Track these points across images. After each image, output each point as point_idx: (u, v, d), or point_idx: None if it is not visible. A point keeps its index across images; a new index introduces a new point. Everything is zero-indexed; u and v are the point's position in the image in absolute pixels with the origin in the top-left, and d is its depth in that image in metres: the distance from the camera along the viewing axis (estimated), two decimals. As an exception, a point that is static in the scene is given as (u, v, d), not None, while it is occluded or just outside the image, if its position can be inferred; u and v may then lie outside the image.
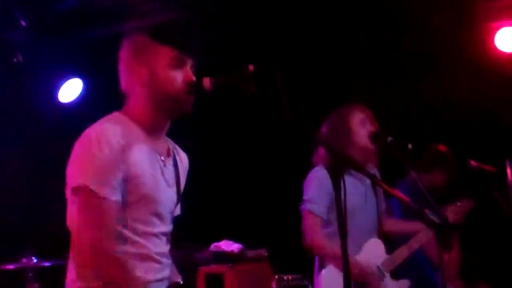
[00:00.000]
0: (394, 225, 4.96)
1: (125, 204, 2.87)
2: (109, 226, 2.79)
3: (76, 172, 2.84)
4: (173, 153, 3.16)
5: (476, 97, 6.49)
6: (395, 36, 6.46)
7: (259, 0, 6.05)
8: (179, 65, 3.00)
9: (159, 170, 3.00)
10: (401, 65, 6.63)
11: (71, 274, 2.94)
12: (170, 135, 3.19)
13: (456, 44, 6.35)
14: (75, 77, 6.84)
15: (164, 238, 3.05)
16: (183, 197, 3.21)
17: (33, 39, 6.19)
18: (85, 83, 6.86)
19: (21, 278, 5.48)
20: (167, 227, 3.07)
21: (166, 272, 3.04)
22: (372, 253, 4.57)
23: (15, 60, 6.07)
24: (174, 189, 3.11)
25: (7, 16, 5.86)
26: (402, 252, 4.72)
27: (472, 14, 6.25)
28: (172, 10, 5.91)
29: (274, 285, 4.26)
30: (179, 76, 3.00)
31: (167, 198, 3.04)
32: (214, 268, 6.16)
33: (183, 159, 3.24)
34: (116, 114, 3.04)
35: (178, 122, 3.12)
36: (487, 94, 6.43)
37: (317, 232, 4.47)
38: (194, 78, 3.01)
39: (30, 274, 5.45)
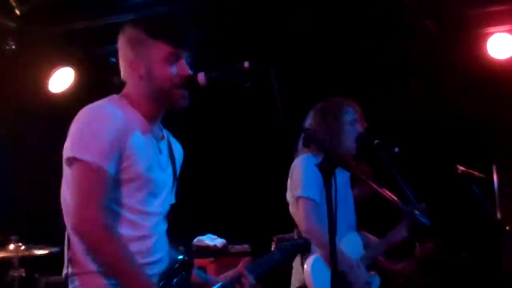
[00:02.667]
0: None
1: (120, 182, 2.88)
2: (101, 196, 2.79)
3: (76, 145, 2.85)
4: (168, 140, 3.18)
5: (465, 102, 6.53)
6: (388, 42, 6.49)
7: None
8: (174, 60, 3.03)
9: (154, 153, 3.01)
10: (392, 69, 6.65)
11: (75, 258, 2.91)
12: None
13: (448, 50, 6.38)
14: (67, 66, 6.81)
15: (160, 217, 3.05)
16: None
17: (25, 27, 6.16)
18: (76, 72, 6.84)
19: (6, 264, 5.47)
20: (163, 208, 3.06)
21: (161, 254, 3.03)
22: (351, 246, 4.56)
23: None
24: (169, 173, 3.12)
25: (1, 4, 5.84)
26: (379, 247, 4.74)
27: (464, 20, 6.29)
28: (165, 4, 5.91)
29: (274, 245, 4.17)
30: (174, 71, 3.02)
31: (162, 180, 3.05)
32: (196, 261, 6.16)
33: (178, 150, 3.26)
34: (116, 97, 3.07)
35: (165, 117, 3.14)
36: (476, 100, 6.47)
37: (315, 216, 4.37)
38: (189, 72, 3.02)
39: (15, 261, 5.44)
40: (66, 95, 6.71)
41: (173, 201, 3.18)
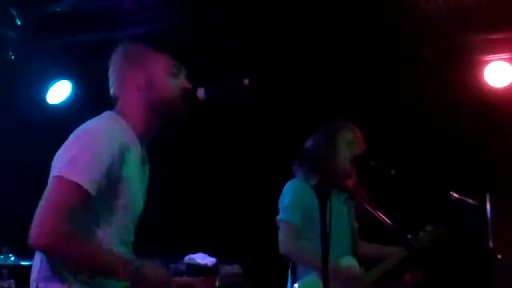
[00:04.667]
0: (369, 247, 4.94)
1: (113, 209, 2.84)
2: (70, 209, 2.67)
3: (63, 163, 2.77)
4: (147, 161, 3.12)
5: (461, 130, 6.54)
6: (385, 66, 6.50)
7: (253, 14, 6.07)
8: (176, 72, 3.03)
9: (140, 180, 2.99)
10: (389, 94, 6.66)
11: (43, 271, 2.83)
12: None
13: (444, 77, 6.40)
14: (65, 79, 6.83)
15: (131, 247, 3.02)
16: (161, 207, 3.19)
17: (25, 39, 6.18)
18: (74, 85, 6.85)
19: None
20: (133, 236, 3.04)
21: None
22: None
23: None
24: (142, 198, 3.06)
25: (3, 14, 5.85)
26: (377, 271, 4.72)
27: (462, 48, 6.31)
28: (163, 20, 5.94)
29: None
30: (176, 83, 3.02)
31: (140, 207, 3.03)
32: (185, 280, 6.12)
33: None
34: (112, 114, 3.01)
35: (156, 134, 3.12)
36: (473, 128, 6.48)
37: (292, 239, 4.39)
38: (190, 86, 3.02)
39: (5, 271, 5.40)
40: (64, 107, 6.72)
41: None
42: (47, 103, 6.79)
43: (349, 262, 4.59)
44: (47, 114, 6.64)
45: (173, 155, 3.27)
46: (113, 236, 2.86)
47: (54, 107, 6.80)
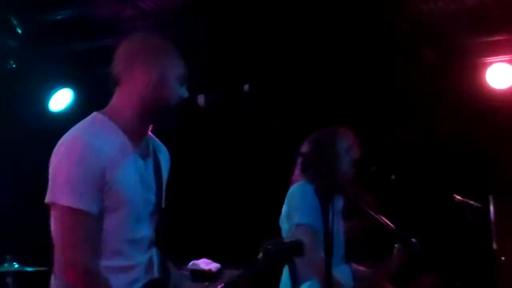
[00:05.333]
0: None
1: (106, 211, 2.82)
2: (79, 239, 2.74)
3: (52, 188, 2.79)
4: (154, 152, 3.09)
5: (463, 132, 6.53)
6: (385, 69, 6.50)
7: (253, 20, 6.08)
8: (183, 81, 3.01)
9: (138, 175, 2.94)
10: (390, 97, 6.66)
11: None
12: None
13: (446, 80, 6.40)
14: (66, 87, 6.85)
15: (146, 243, 3.00)
16: (167, 208, 3.16)
17: (26, 47, 6.19)
18: (75, 93, 6.87)
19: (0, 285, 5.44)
20: (149, 231, 3.01)
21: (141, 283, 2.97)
22: (342, 279, 4.51)
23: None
24: (155, 191, 3.03)
25: (3, 23, 5.87)
26: (368, 279, 4.69)
27: (463, 50, 6.31)
28: (165, 28, 5.94)
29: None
30: (183, 92, 2.99)
31: (147, 201, 2.98)
32: (189, 286, 6.12)
33: (164, 154, 3.18)
34: (97, 116, 2.95)
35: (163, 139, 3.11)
36: (475, 129, 6.48)
37: (316, 247, 4.27)
38: (188, 96, 3.01)
39: (10, 279, 5.39)
40: (66, 114, 6.73)
41: (160, 218, 3.10)
42: (49, 110, 6.80)
43: (343, 271, 4.56)
44: (50, 122, 6.65)
45: (177, 161, 3.24)
46: (115, 236, 2.86)
47: (57, 114, 6.82)
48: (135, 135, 2.95)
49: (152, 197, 3.01)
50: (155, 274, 3.06)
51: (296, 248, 3.24)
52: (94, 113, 2.96)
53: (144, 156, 2.99)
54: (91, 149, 2.77)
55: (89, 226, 2.76)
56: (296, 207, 4.44)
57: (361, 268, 4.87)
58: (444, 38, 6.21)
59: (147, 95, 2.93)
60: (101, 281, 2.78)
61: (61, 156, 2.78)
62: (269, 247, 3.11)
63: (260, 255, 3.16)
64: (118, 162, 2.83)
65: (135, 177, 2.91)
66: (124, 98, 2.97)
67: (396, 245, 4.51)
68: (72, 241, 2.74)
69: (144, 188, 2.95)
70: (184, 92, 3.00)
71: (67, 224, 2.75)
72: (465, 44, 6.24)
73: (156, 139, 3.15)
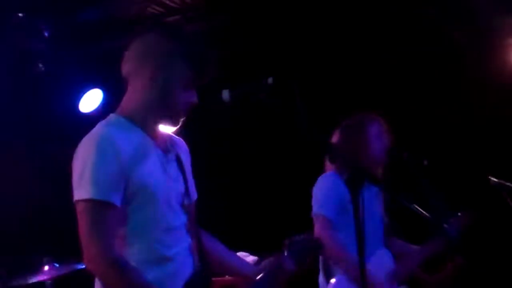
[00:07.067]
0: (402, 246, 4.88)
1: (137, 204, 2.87)
2: (103, 231, 2.79)
3: (75, 188, 2.85)
4: (171, 146, 3.13)
5: (496, 113, 6.47)
6: (416, 52, 6.45)
7: (275, 12, 6.06)
8: (191, 86, 3.02)
9: (162, 167, 2.98)
10: (420, 80, 6.61)
11: None
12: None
13: (477, 61, 6.34)
14: (96, 88, 6.87)
15: (183, 232, 3.04)
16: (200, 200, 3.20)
17: (54, 49, 6.23)
18: (105, 94, 6.89)
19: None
20: (183, 220, 3.05)
21: (186, 269, 3.02)
22: (380, 264, 4.51)
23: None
24: (181, 181, 3.08)
25: (30, 26, 5.91)
26: (412, 261, 4.67)
27: (492, 31, 6.24)
28: (189, 22, 5.96)
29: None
30: (189, 98, 3.02)
31: (175, 191, 3.03)
32: (228, 280, 6.13)
33: (182, 147, 3.22)
34: (114, 117, 3.03)
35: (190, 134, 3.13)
36: (507, 111, 6.41)
37: (329, 235, 4.35)
38: (197, 101, 3.03)
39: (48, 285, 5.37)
40: (97, 115, 6.75)
41: (191, 208, 3.16)
42: (79, 112, 6.83)
43: (383, 255, 4.57)
44: (80, 124, 6.68)
45: (202, 156, 3.25)
46: (152, 229, 2.90)
47: (87, 116, 6.85)
48: (152, 131, 3.01)
49: (181, 187, 3.07)
50: (196, 263, 3.09)
51: (316, 245, 3.46)
52: (110, 115, 3.04)
53: (165, 151, 3.04)
54: (109, 142, 2.84)
55: (112, 217, 2.81)
56: (315, 197, 4.49)
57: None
58: (473, 18, 6.14)
59: (151, 100, 2.99)
60: (131, 269, 2.82)
61: (80, 154, 2.86)
62: (291, 245, 3.27)
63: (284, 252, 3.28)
64: (140, 156, 2.89)
65: (159, 169, 2.95)
66: (132, 98, 3.04)
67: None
68: (97, 233, 2.78)
69: (170, 179, 3.00)
70: (191, 97, 3.02)
71: (90, 217, 2.79)
72: (493, 24, 6.16)
73: (171, 134, 3.19)
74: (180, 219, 3.03)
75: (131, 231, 2.89)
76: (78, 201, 2.82)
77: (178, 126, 3.06)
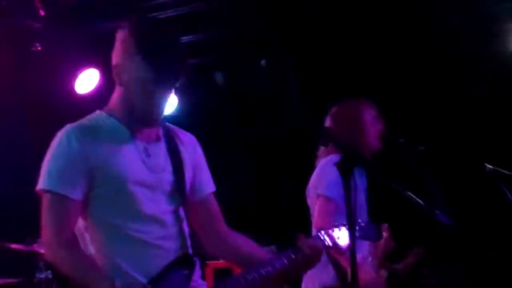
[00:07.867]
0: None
1: (103, 196, 2.93)
2: (59, 223, 2.89)
3: (41, 176, 2.95)
4: (167, 137, 3.13)
5: (494, 99, 6.46)
6: (413, 36, 6.43)
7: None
8: (153, 88, 2.97)
9: (139, 158, 2.99)
10: (418, 65, 6.60)
11: None
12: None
13: (473, 46, 6.32)
14: (92, 68, 6.84)
15: (166, 218, 3.04)
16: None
17: (51, 29, 6.20)
18: (102, 74, 6.86)
19: (32, 267, 5.48)
20: (167, 206, 3.06)
21: (170, 254, 3.02)
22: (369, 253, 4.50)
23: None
24: (170, 171, 3.08)
25: (27, 5, 5.88)
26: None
27: (490, 15, 6.22)
28: (186, 4, 5.91)
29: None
30: (153, 98, 2.98)
31: (157, 181, 3.02)
32: (222, 263, 6.17)
33: (186, 141, 3.21)
34: (97, 112, 3.07)
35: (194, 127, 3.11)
36: (505, 96, 6.40)
37: (330, 216, 4.27)
38: (172, 92, 3.02)
39: (42, 263, 5.43)
40: (92, 96, 6.74)
41: (180, 198, 3.13)
42: (75, 92, 6.81)
43: (363, 247, 4.52)
44: (76, 104, 6.67)
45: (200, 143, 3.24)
46: (124, 217, 2.95)
47: (83, 96, 6.82)
48: (133, 125, 3.02)
49: (168, 177, 3.07)
50: (186, 249, 3.10)
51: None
52: (96, 111, 3.08)
53: (148, 142, 3.05)
54: (70, 139, 2.90)
55: (64, 207, 2.90)
56: (323, 178, 4.44)
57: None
58: (472, 2, 6.12)
59: (122, 98, 3.02)
60: (79, 253, 2.92)
61: (51, 146, 2.96)
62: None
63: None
64: (112, 150, 2.94)
65: (135, 161, 2.98)
66: (114, 95, 3.07)
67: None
68: (49, 220, 2.89)
69: (148, 170, 3.01)
70: (159, 99, 2.98)
71: (44, 205, 2.91)
72: (491, 8, 6.14)
73: (178, 129, 3.22)
74: (163, 206, 3.04)
75: (101, 219, 2.95)
76: (41, 190, 2.93)
77: (156, 125, 3.06)
